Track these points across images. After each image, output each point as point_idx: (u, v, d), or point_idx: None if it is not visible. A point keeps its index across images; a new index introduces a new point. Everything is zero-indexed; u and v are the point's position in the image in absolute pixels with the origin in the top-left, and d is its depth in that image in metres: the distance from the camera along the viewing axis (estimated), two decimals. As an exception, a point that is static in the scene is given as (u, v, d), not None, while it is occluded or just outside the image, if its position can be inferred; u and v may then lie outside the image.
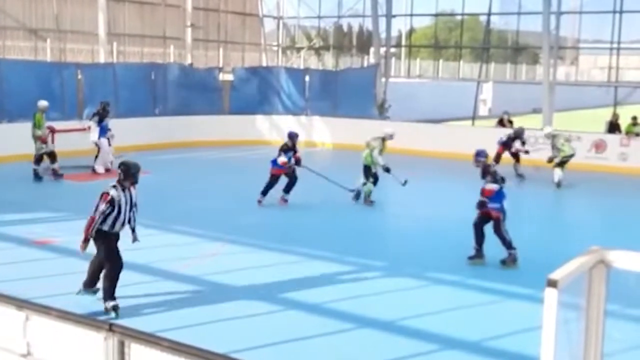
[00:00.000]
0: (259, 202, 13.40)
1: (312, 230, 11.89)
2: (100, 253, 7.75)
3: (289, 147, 13.67)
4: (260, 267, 9.50)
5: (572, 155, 16.20)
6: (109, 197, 7.64)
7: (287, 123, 24.08)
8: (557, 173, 16.18)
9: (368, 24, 26.91)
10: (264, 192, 13.38)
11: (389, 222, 13.54)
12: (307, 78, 24.92)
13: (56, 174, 15.58)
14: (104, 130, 16.68)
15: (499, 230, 9.73)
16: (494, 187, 9.82)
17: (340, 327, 7.38)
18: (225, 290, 8.46)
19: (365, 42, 28.15)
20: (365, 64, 27.11)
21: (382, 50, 25.33)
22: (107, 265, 7.66)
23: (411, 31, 28.84)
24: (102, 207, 7.63)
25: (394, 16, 25.70)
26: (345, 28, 29.49)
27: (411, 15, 26.54)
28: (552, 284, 2.71)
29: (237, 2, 27.58)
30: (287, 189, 13.62)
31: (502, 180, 10.00)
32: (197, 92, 23.27)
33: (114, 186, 7.79)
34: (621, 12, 21.29)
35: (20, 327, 4.59)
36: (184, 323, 7.09)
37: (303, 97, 24.72)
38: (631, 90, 23.20)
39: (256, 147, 22.69)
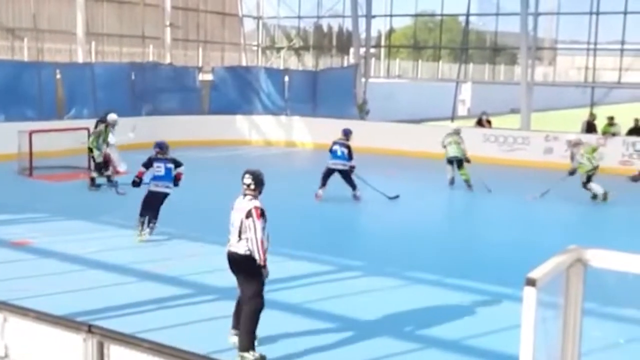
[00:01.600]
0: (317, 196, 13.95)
1: (292, 231, 11.85)
2: (252, 286, 6.50)
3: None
4: None
5: (595, 168, 14.37)
6: (261, 211, 6.45)
7: (266, 123, 24.11)
8: (594, 187, 14.49)
9: (348, 24, 26.96)
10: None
11: (368, 222, 13.57)
12: (286, 78, 24.93)
13: (110, 181, 14.95)
14: None
15: None
16: None
17: (321, 326, 7.39)
18: (206, 291, 8.43)
19: (345, 42, 28.20)
20: (345, 64, 27.15)
21: (362, 50, 25.37)
22: (255, 303, 6.44)
23: (391, 31, 28.94)
24: (262, 224, 6.40)
25: (374, 16, 25.76)
26: (325, 28, 29.51)
27: (391, 15, 26.65)
28: (531, 282, 2.73)
29: (217, 2, 27.50)
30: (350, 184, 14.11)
31: None
32: (176, 92, 23.19)
33: (255, 197, 6.60)
34: (598, 13, 21.52)
35: (2, 329, 4.56)
36: (163, 324, 7.06)
37: (283, 97, 24.72)
38: (607, 91, 23.47)
39: (236, 147, 22.65)
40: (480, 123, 21.81)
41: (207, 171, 18.02)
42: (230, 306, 7.45)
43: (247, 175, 6.59)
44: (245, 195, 6.58)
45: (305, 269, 9.48)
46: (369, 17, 25.45)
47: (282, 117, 24.28)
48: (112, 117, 15.40)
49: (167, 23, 25.05)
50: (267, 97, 24.71)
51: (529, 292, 2.74)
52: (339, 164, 14.04)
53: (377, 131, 21.85)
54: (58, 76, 20.33)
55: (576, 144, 14.67)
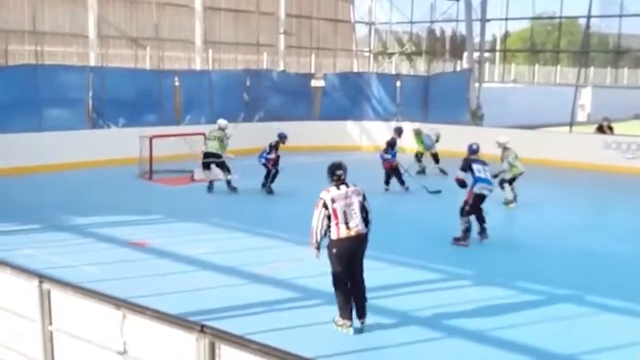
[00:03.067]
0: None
1: (398, 237, 11.71)
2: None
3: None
4: None
5: (521, 174, 14.62)
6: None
7: (377, 129, 24.05)
8: (508, 190, 14.59)
9: (462, 29, 26.47)
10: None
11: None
12: (398, 83, 24.80)
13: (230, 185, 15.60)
14: None
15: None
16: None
17: (426, 335, 7.26)
18: (313, 295, 8.46)
19: (458, 46, 27.70)
20: (458, 69, 26.68)
21: (476, 55, 24.86)
22: None
23: (506, 35, 28.18)
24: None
25: (489, 20, 25.17)
26: (438, 33, 29.12)
27: (506, 19, 25.94)
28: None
29: (329, 9, 27.74)
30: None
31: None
32: (289, 98, 23.62)
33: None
34: None
35: (118, 325, 4.73)
36: (271, 326, 7.14)
37: (394, 103, 24.60)
38: None
39: (347, 152, 22.71)
40: (601, 129, 20.82)
41: (317, 177, 18.14)
42: (336, 311, 7.46)
43: (339, 170, 7.53)
44: (341, 184, 7.41)
45: (411, 276, 9.34)
46: (484, 20, 24.89)
47: (393, 122, 24.13)
48: (221, 122, 15.82)
49: (281, 31, 25.51)
50: (379, 102, 24.69)
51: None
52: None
53: (490, 137, 21.28)
54: (177, 83, 21.15)
55: (506, 148, 14.78)
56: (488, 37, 26.49)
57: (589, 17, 23.45)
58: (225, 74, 23.03)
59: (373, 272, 9.32)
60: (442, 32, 29.02)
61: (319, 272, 9.24)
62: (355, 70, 27.71)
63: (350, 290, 7.31)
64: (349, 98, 24.50)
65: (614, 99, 31.88)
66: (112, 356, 4.78)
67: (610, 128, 20.79)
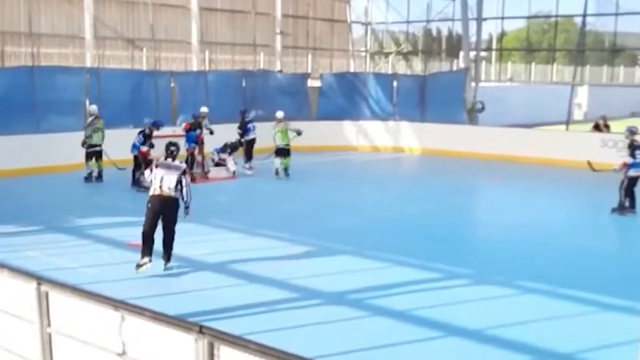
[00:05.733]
0: None
1: (398, 237, 11.75)
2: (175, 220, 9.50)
3: None
4: (347, 272, 9.48)
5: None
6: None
7: (374, 128, 24.08)
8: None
9: (458, 28, 26.49)
10: None
11: (477, 229, 13.24)
12: (395, 83, 24.82)
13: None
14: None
15: None
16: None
17: (427, 334, 7.27)
18: (312, 295, 8.47)
19: (454, 46, 27.72)
20: (455, 69, 26.70)
21: (472, 54, 24.87)
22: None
23: (502, 34, 28.19)
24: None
25: (485, 19, 25.20)
26: (434, 32, 29.15)
27: (502, 18, 25.96)
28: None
29: (326, 9, 27.74)
30: None
31: None
32: (285, 98, 23.57)
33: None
34: None
35: (116, 326, 4.74)
36: (270, 326, 7.15)
37: (391, 103, 24.62)
38: None
39: (343, 152, 22.76)
40: (597, 127, 20.85)
41: (313, 177, 18.18)
42: (336, 311, 7.48)
43: (172, 147, 9.50)
44: (169, 157, 9.40)
45: (411, 275, 9.35)
46: (480, 20, 24.92)
47: (390, 122, 24.18)
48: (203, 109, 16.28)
49: (278, 31, 25.51)
50: (375, 102, 24.70)
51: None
52: None
53: (486, 136, 21.38)
54: (172, 84, 21.14)
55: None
56: (484, 36, 26.53)
57: (584, 15, 23.49)
58: (222, 74, 23.03)
59: (376, 271, 9.46)
60: (439, 31, 29.07)
61: (319, 272, 9.30)
62: (352, 70, 27.72)
63: (163, 238, 9.26)
64: (345, 98, 24.52)
65: (610, 97, 31.94)
66: (111, 357, 4.79)
67: (607, 126, 20.81)
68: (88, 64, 20.34)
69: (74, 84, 19.18)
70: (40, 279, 5.41)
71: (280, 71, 25.08)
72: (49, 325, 5.30)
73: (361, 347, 6.85)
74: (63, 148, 17.69)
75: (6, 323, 5.77)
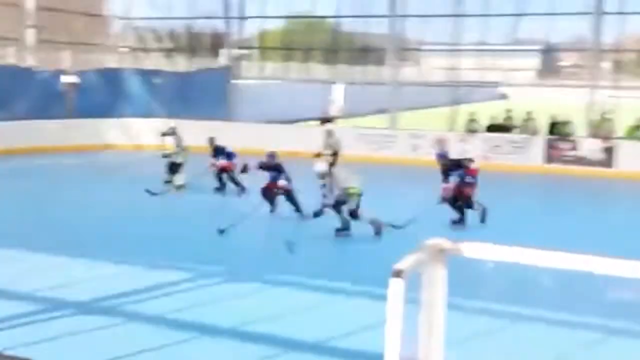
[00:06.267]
0: None
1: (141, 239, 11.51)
2: None
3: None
4: (98, 279, 9.15)
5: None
6: None
7: (138, 126, 23.49)
8: None
9: (221, 26, 26.71)
10: None
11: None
12: (157, 80, 24.41)
13: None
14: None
15: None
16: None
17: (181, 337, 7.25)
18: (62, 306, 8.08)
19: (218, 44, 27.93)
20: (218, 66, 26.92)
21: (235, 52, 25.26)
22: None
23: (263, 33, 28.95)
24: None
25: (246, 18, 25.70)
26: (198, 30, 29.11)
27: (263, 17, 26.62)
28: (398, 274, 2.78)
29: (83, 2, 26.48)
30: None
31: None
32: (38, 96, 22.10)
33: None
34: (461, 15, 22.54)
35: None
36: (18, 342, 6.67)
37: (153, 99, 24.16)
38: (469, 90, 24.62)
39: (104, 152, 21.95)
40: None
41: (65, 180, 17.33)
42: (87, 321, 7.23)
43: None
44: None
45: (163, 277, 9.25)
46: (242, 18, 25.37)
47: (153, 119, 23.74)
48: None
49: (29, 23, 23.85)
50: (138, 99, 24.10)
51: (396, 284, 2.78)
52: None
53: (244, 132, 21.84)
54: None
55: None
56: (246, 34, 27.03)
57: (338, 17, 24.92)
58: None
59: (127, 277, 9.21)
60: (201, 29, 29.08)
61: (64, 282, 8.82)
62: (113, 66, 26.76)
63: None
64: (105, 95, 23.57)
65: (363, 95, 34.08)
66: None
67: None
68: None
69: None
70: None
71: (31, 67, 23.42)
72: None
73: (115, 356, 6.66)
74: None
75: None
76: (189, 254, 10.37)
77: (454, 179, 12.38)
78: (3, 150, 19.68)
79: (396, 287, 2.77)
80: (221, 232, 11.44)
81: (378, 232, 11.45)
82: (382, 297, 2.88)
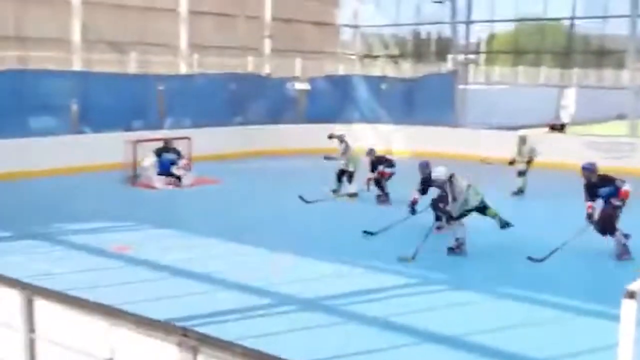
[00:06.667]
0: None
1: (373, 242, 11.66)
2: None
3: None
4: (322, 279, 9.43)
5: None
6: None
7: (363, 131, 24.10)
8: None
9: (447, 31, 26.61)
10: None
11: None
12: (383, 86, 24.89)
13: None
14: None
15: None
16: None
17: (402, 341, 7.26)
18: (291, 301, 8.45)
19: (443, 49, 27.82)
20: (444, 71, 26.80)
21: (461, 57, 25.00)
22: None
23: (491, 37, 28.31)
24: None
25: (473, 22, 25.33)
26: (423, 35, 29.24)
27: (491, 21, 26.06)
28: (631, 295, 2.58)
29: (315, 12, 27.76)
30: None
31: None
32: (274, 102, 23.69)
33: None
34: None
35: (102, 332, 4.73)
36: (247, 333, 7.08)
37: (380, 105, 24.67)
38: None
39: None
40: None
41: (300, 181, 18.13)
42: (311, 318, 7.47)
43: None
44: None
45: (391, 280, 9.34)
46: (469, 23, 25.06)
47: (378, 124, 24.23)
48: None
49: (266, 34, 25.52)
50: (364, 105, 24.77)
51: (629, 305, 2.58)
52: None
53: (473, 138, 21.46)
54: (160, 87, 21.12)
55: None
56: (473, 39, 26.64)
57: (572, 18, 23.65)
58: (210, 77, 23.02)
59: (349, 278, 9.46)
60: (428, 34, 29.16)
61: (292, 278, 9.27)
62: (340, 73, 27.78)
63: None
64: (334, 101, 24.54)
65: (597, 100, 32.07)
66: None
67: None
68: (76, 67, 20.29)
69: (61, 88, 19.13)
70: (24, 285, 5.39)
71: (269, 74, 25.11)
72: (33, 331, 5.29)
73: (336, 354, 6.83)
74: (50, 152, 17.62)
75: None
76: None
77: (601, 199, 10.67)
78: (240, 153, 21.19)
79: (629, 309, 2.57)
80: (369, 234, 11.45)
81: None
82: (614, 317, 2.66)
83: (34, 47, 19.88)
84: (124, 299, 7.68)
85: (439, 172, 10.96)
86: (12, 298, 5.35)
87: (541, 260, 10.15)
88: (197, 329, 4.33)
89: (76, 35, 20.44)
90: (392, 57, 28.64)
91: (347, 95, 24.79)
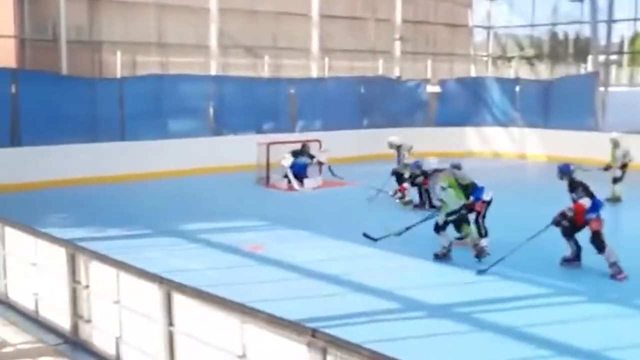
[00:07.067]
0: None
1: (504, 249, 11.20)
2: None
3: None
4: (452, 285, 9.23)
5: None
6: None
7: (496, 135, 23.48)
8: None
9: (586, 31, 25.42)
10: None
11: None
12: (517, 88, 24.10)
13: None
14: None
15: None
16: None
17: (535, 353, 6.92)
18: (416, 307, 8.29)
19: (582, 49, 26.59)
20: (583, 73, 25.60)
21: (602, 57, 23.80)
22: None
23: (635, 36, 26.75)
24: None
25: (615, 21, 24.03)
26: (560, 35, 28.09)
27: (635, 19, 24.64)
28: None
29: (446, 13, 27.36)
30: None
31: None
32: (404, 105, 23.55)
33: None
34: None
35: (235, 329, 4.83)
36: (375, 337, 7.00)
37: (514, 108, 23.92)
38: None
39: (462, 159, 22.28)
40: None
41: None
42: (441, 325, 7.29)
43: None
44: None
45: (520, 290, 8.95)
46: (610, 21, 23.79)
47: (512, 128, 23.50)
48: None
49: (397, 36, 25.41)
50: (497, 108, 24.10)
51: None
52: None
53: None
54: (292, 91, 21.52)
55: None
56: (615, 38, 25.27)
57: None
58: (340, 81, 23.19)
59: (481, 284, 9.15)
60: (566, 34, 27.98)
61: (424, 283, 9.09)
62: (472, 75, 27.20)
63: None
64: (466, 104, 24.06)
65: None
66: (230, 359, 4.88)
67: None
68: (213, 72, 21.06)
69: (199, 91, 19.94)
70: (162, 280, 5.61)
71: (399, 77, 24.99)
72: (172, 324, 5.49)
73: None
74: (188, 153, 18.39)
75: (132, 320, 6.04)
76: (543, 269, 9.93)
77: None
78: (369, 155, 21.18)
79: None
80: (373, 239, 11.03)
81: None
82: None
83: (174, 53, 20.81)
84: (256, 297, 7.83)
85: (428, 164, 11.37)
86: (153, 292, 5.59)
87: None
88: (325, 330, 4.33)
89: (213, 41, 21.21)
90: (527, 59, 27.72)
91: (479, 97, 24.20)
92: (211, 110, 20.10)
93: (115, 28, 19.59)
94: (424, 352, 6.90)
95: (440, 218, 10.16)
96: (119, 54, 18.77)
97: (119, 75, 18.68)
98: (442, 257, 10.20)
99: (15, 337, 7.04)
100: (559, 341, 7.19)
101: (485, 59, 28.60)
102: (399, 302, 8.48)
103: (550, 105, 23.12)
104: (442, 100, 24.39)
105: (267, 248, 10.82)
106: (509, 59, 27.98)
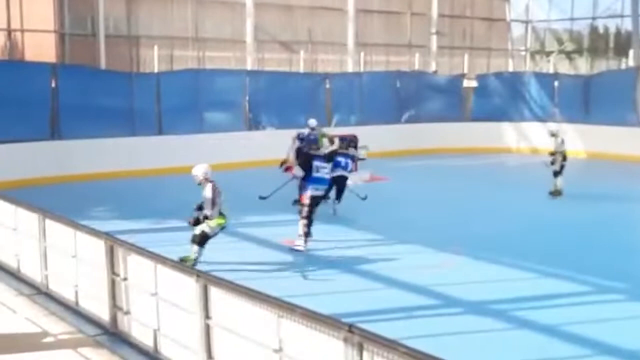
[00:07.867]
0: None
1: (543, 246, 11.09)
2: None
3: None
4: (489, 282, 9.11)
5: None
6: None
7: (534, 130, 23.15)
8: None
9: (627, 25, 24.94)
10: None
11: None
12: (556, 83, 23.74)
13: None
14: None
15: None
16: None
17: (573, 352, 6.83)
18: (454, 303, 8.23)
19: (623, 44, 26.09)
20: (623, 68, 25.13)
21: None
22: None
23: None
24: None
25: (658, 14, 23.54)
26: (600, 30, 27.60)
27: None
28: None
29: (484, 8, 27.09)
30: None
31: None
32: (440, 99, 23.35)
33: None
34: None
35: (271, 323, 4.84)
36: (412, 333, 6.97)
37: (552, 103, 23.58)
38: None
39: (499, 155, 22.09)
40: None
41: (467, 180, 17.73)
42: (479, 322, 7.20)
43: None
44: None
45: (558, 288, 8.82)
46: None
47: (550, 124, 23.14)
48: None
49: (433, 31, 25.22)
50: (535, 103, 23.77)
51: None
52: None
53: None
54: (328, 85, 21.50)
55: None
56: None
57: None
58: (376, 75, 23.11)
59: (519, 282, 9.06)
60: (606, 28, 27.48)
61: (460, 280, 9.01)
62: (510, 70, 26.88)
63: None
64: (503, 99, 23.77)
65: None
66: (266, 353, 4.89)
67: None
68: (249, 67, 21.13)
69: (235, 86, 20.03)
70: (199, 273, 5.65)
71: (435, 72, 24.81)
72: (208, 317, 5.52)
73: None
74: (223, 147, 18.47)
75: (169, 313, 6.09)
76: (589, 266, 9.79)
77: None
78: (405, 150, 21.09)
79: None
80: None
81: None
82: None
83: (210, 47, 20.94)
84: (291, 292, 7.85)
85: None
86: (190, 285, 5.63)
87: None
88: (361, 325, 4.31)
89: (249, 36, 21.28)
90: (566, 53, 27.29)
91: (516, 92, 23.89)
92: (247, 105, 20.17)
93: (152, 23, 19.80)
94: (460, 348, 6.84)
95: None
96: (156, 48, 18.94)
97: (156, 70, 18.87)
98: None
99: (56, 327, 7.15)
100: (598, 340, 7.08)
101: (523, 53, 28.25)
102: (437, 298, 8.43)
103: (589, 101, 22.73)
104: (478, 95, 24.12)
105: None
106: (548, 54, 27.58)
